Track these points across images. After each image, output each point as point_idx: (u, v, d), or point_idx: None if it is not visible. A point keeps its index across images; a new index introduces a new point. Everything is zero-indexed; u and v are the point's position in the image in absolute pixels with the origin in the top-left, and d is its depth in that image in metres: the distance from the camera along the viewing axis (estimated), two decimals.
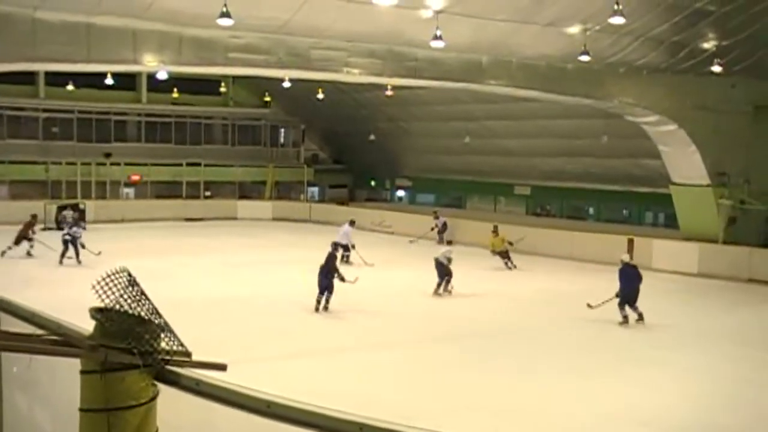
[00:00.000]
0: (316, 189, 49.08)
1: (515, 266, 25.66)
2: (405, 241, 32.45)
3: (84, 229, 26.72)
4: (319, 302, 18.16)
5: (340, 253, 24.85)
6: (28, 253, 25.25)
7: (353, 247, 26.35)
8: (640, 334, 17.31)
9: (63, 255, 24.19)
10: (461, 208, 42.65)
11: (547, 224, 33.13)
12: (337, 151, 50.75)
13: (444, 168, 42.38)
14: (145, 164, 42.40)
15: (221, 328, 16.05)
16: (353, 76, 22.82)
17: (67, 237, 24.45)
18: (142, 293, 2.54)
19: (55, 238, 25.18)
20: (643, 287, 21.36)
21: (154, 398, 2.49)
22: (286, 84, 31.48)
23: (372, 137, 43.80)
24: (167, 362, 2.49)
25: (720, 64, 23.81)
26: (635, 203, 34.83)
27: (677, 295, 21.05)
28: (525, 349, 15.51)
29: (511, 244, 26.43)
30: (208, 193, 44.48)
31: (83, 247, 24.32)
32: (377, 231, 35.25)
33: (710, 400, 12.51)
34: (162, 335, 2.53)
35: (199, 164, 43.49)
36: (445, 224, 32.10)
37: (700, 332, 17.69)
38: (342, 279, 18.53)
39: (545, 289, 22.51)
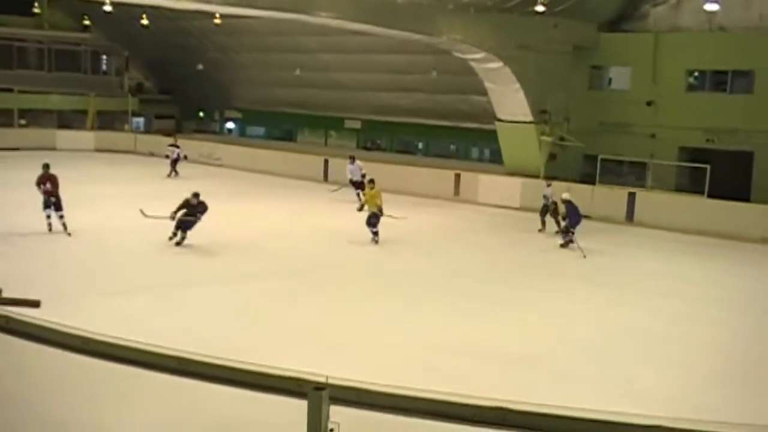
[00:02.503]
0: (141, 119, 47.29)
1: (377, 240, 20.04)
2: (235, 173, 31.96)
3: None
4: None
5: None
6: None
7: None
8: (455, 268, 18.00)
9: None
10: (292, 141, 42.37)
11: (377, 158, 33.54)
12: (164, 80, 48.86)
13: (275, 100, 41.81)
14: None
15: (35, 265, 15.30)
16: (178, 2, 21.92)
17: None
18: None
19: None
20: (468, 222, 22.13)
21: None
22: (107, 8, 29.80)
23: (200, 67, 42.50)
24: None
25: (543, 4, 24.52)
26: (462, 139, 35.76)
27: (500, 228, 21.89)
28: (353, 284, 15.75)
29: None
30: (23, 122, 42.12)
31: None
32: (207, 163, 34.52)
33: (516, 327, 13.10)
34: None
35: (11, 90, 40.91)
36: (182, 157, 32.16)
37: (519, 265, 18.61)
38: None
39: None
